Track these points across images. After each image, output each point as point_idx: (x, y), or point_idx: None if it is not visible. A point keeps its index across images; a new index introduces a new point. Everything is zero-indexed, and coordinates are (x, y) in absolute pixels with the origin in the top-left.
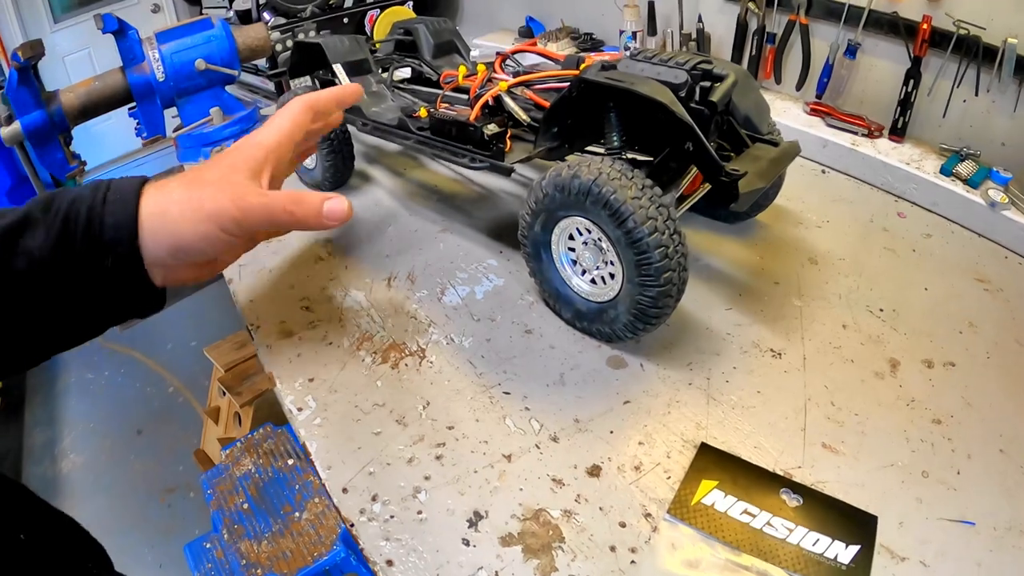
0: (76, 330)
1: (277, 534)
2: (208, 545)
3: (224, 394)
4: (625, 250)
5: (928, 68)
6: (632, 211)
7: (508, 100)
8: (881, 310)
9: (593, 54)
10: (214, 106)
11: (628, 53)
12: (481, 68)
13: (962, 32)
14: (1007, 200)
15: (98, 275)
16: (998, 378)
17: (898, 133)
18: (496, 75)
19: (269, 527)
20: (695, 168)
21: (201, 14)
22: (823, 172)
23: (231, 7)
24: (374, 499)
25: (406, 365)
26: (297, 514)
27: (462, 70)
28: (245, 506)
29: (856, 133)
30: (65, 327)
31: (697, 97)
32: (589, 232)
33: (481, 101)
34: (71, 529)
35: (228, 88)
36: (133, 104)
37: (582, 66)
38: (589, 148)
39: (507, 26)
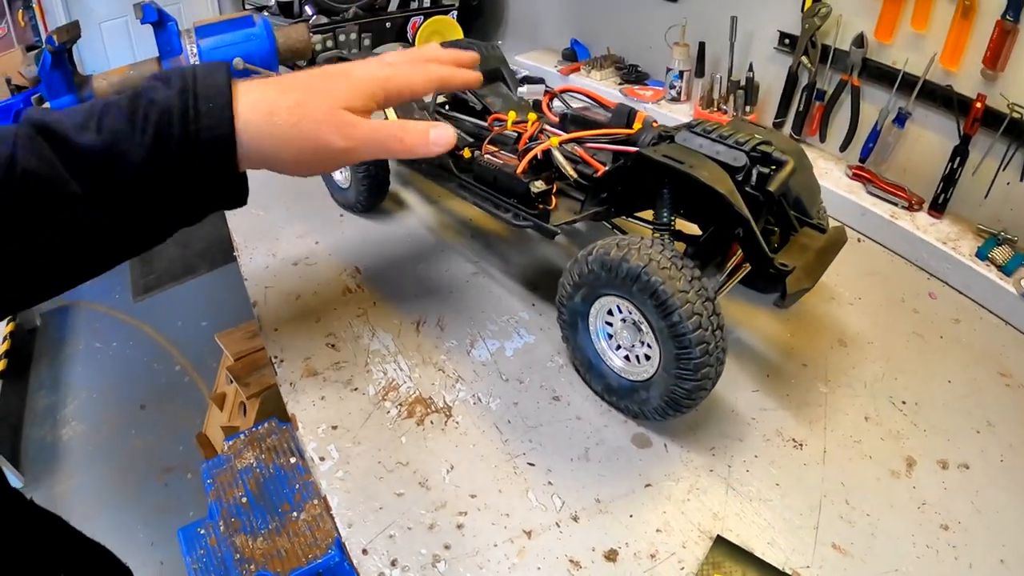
0: (159, 228)
1: (273, 532)
2: (202, 531)
3: (231, 382)
4: (666, 341)
5: (976, 146)
6: (679, 305)
7: (558, 155)
8: (904, 402)
9: (636, 87)
10: None
11: (686, 124)
12: (532, 118)
13: (1015, 115)
14: None
15: (192, 181)
16: (1008, 484)
17: (938, 208)
18: (548, 129)
19: (266, 524)
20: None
21: (244, 6)
22: (859, 241)
23: None
24: (393, 564)
25: (431, 423)
26: (295, 514)
27: (512, 116)
28: (244, 500)
29: (896, 204)
30: (150, 226)
31: (754, 181)
32: (630, 312)
33: (530, 155)
34: (104, 559)
35: None
36: None
37: (635, 125)
38: (637, 215)
39: (551, 46)
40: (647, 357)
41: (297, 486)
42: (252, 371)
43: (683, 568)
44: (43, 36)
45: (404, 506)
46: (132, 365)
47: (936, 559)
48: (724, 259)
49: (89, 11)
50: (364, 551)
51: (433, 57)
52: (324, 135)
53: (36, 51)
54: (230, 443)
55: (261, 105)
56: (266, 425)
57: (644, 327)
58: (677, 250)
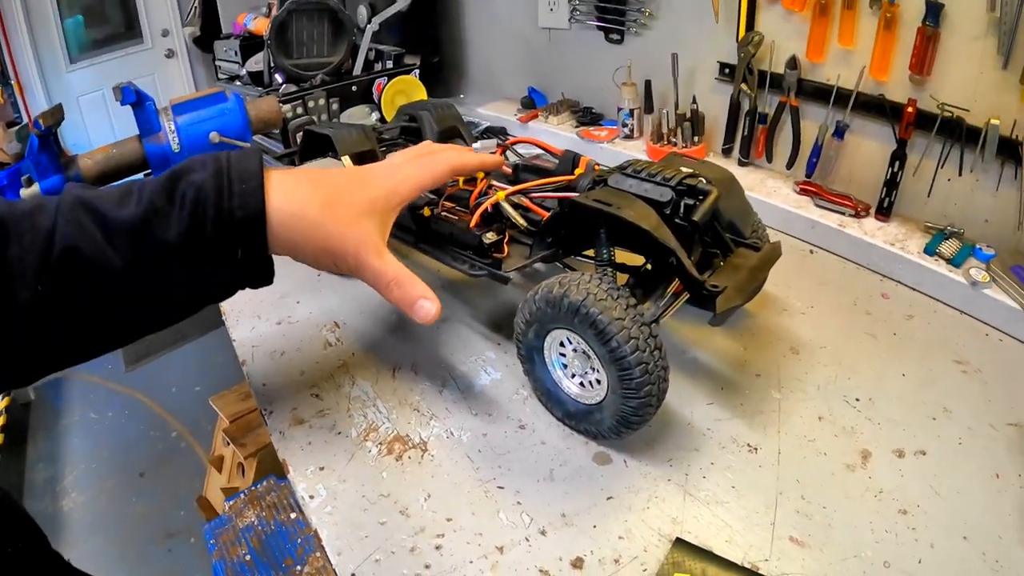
0: (188, 304)
1: None
2: None
3: (228, 444)
4: (609, 365)
5: (913, 149)
6: (616, 332)
7: (506, 207)
8: (857, 399)
9: (592, 128)
10: None
11: (619, 167)
12: (480, 175)
13: (946, 114)
14: (988, 279)
15: (224, 258)
16: (967, 465)
17: (884, 212)
18: (495, 184)
19: None
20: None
21: (217, 76)
22: (811, 252)
23: (243, 66)
24: None
25: (409, 458)
26: (299, 567)
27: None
28: (247, 558)
29: (844, 213)
30: (180, 301)
31: (681, 213)
32: (579, 343)
33: (480, 209)
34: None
35: None
36: (149, 171)
37: (577, 171)
38: (584, 253)
39: (510, 95)
40: (598, 382)
41: (299, 540)
42: (248, 431)
43: (645, 570)
44: (23, 113)
45: (387, 533)
46: (128, 434)
47: (896, 542)
48: (666, 286)
49: (68, 85)
50: (352, 575)
51: (460, 165)
52: (345, 245)
53: (17, 127)
54: (231, 503)
55: (295, 196)
56: (265, 483)
57: (591, 354)
58: (615, 282)
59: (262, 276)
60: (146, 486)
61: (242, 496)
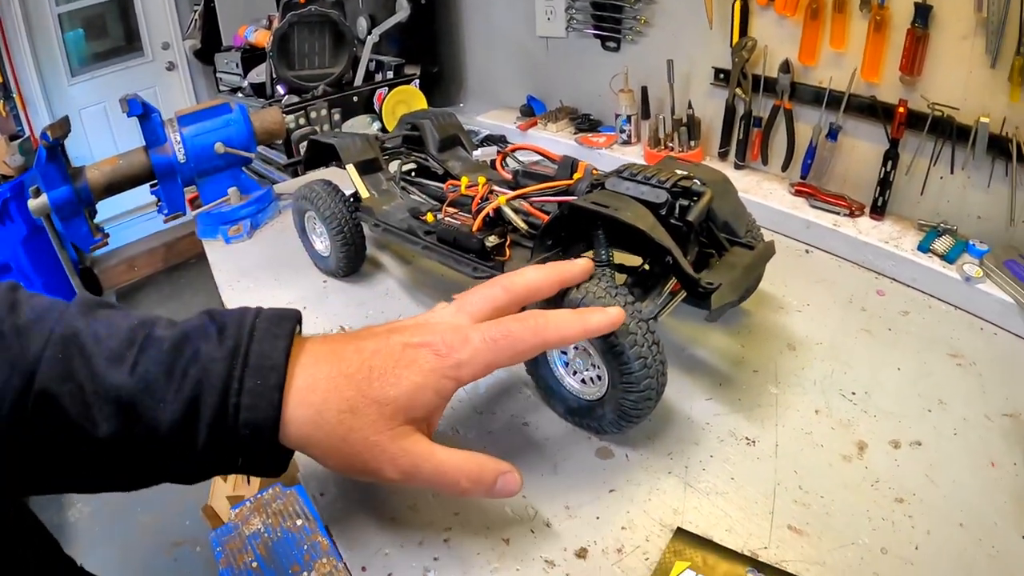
0: (183, 478)
1: None
2: None
3: None
4: (609, 360)
5: (906, 148)
6: None
7: (507, 211)
8: (853, 393)
9: (590, 135)
10: (231, 186)
11: (616, 170)
12: (482, 180)
13: (937, 113)
14: (981, 274)
15: (220, 464)
16: (963, 454)
17: (878, 212)
18: (496, 189)
19: None
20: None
21: (218, 88)
22: (807, 252)
23: (245, 78)
24: None
25: None
26: (305, 574)
27: (464, 180)
28: (254, 564)
29: (839, 213)
30: (168, 478)
31: (677, 214)
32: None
33: (483, 214)
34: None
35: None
36: (155, 182)
37: (575, 175)
38: (584, 255)
39: (509, 103)
40: (599, 378)
41: (305, 547)
42: None
43: (647, 558)
44: (25, 126)
45: (396, 527)
46: None
47: (892, 529)
48: (663, 285)
49: (70, 99)
50: (363, 568)
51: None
52: (376, 462)
53: (19, 140)
54: (236, 511)
55: (311, 398)
56: (271, 491)
57: (591, 351)
58: (614, 281)
59: (273, 468)
60: (151, 496)
61: (248, 504)
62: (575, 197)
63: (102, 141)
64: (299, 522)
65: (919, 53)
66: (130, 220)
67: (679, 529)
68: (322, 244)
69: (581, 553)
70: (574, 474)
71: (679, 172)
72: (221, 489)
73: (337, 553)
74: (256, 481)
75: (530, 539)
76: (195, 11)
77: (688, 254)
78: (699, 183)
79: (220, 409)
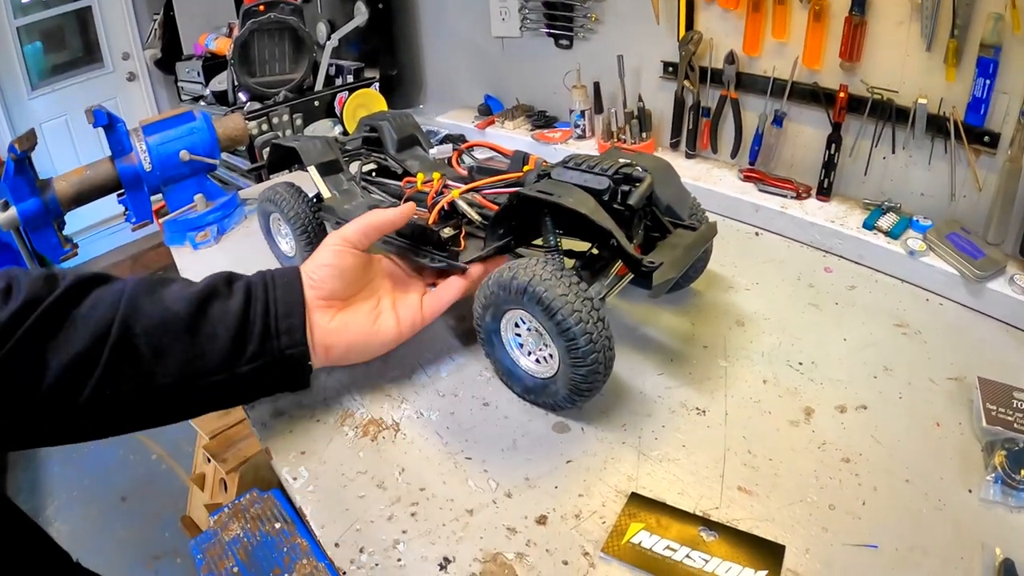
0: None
1: None
2: None
3: (209, 461)
4: (557, 338)
5: (848, 131)
6: (561, 306)
7: (462, 204)
8: (800, 364)
9: (546, 131)
10: (197, 193)
11: (562, 161)
12: (436, 176)
13: (876, 97)
14: (925, 248)
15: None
16: (908, 416)
17: (824, 193)
18: (450, 183)
19: None
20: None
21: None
22: (757, 234)
23: (207, 86)
24: (361, 551)
25: (383, 438)
26: (286, 575)
27: (420, 177)
28: (235, 569)
29: (786, 196)
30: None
31: (619, 199)
32: (531, 321)
33: (437, 207)
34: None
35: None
36: (122, 191)
37: (525, 168)
38: (535, 242)
39: (467, 103)
40: (551, 356)
41: (285, 549)
42: (228, 446)
43: (604, 522)
44: None
45: (366, 505)
46: (108, 460)
47: (840, 487)
48: (610, 268)
49: (31, 113)
50: (336, 544)
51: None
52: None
53: None
54: (215, 517)
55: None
56: (248, 496)
57: (542, 331)
58: (562, 264)
59: (301, 382)
60: (129, 510)
61: (226, 510)
62: (520, 188)
63: (64, 154)
64: (278, 525)
65: (857, 39)
66: (97, 232)
67: (633, 494)
68: (287, 244)
69: (541, 520)
70: (533, 448)
71: (621, 160)
72: (199, 498)
73: (319, 554)
74: (233, 488)
75: (492, 509)
76: (155, 20)
77: (633, 238)
78: (640, 169)
79: (264, 325)
